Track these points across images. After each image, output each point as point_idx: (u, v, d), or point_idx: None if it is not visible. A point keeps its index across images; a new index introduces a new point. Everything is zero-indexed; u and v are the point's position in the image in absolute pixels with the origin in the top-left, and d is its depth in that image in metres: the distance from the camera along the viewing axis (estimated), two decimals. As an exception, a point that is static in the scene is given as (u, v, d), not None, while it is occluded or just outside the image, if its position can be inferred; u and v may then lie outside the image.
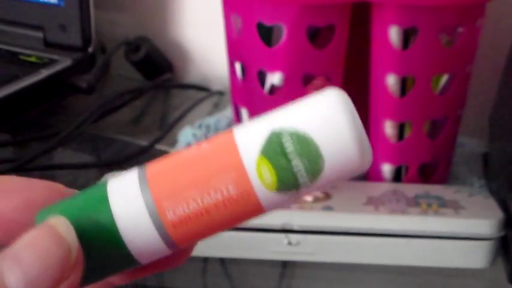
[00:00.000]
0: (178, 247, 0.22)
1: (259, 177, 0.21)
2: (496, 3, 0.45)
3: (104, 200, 0.21)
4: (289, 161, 0.20)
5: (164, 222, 0.21)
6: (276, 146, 0.20)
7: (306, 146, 0.20)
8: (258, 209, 0.21)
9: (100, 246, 0.21)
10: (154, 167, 0.22)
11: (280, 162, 0.20)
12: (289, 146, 0.20)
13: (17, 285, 0.19)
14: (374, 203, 0.43)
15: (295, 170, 0.20)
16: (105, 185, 0.22)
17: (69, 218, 0.21)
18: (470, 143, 0.55)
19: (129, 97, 0.61)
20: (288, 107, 0.21)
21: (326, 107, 0.21)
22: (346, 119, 0.20)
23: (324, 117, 0.20)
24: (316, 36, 0.46)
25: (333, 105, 0.21)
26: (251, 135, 0.21)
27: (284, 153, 0.20)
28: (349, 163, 0.21)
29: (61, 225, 0.20)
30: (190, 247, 0.24)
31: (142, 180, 0.21)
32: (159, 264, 0.24)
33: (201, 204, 0.21)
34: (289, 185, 0.21)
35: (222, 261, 0.43)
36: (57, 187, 0.23)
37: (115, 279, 0.24)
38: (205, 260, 0.43)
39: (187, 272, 0.44)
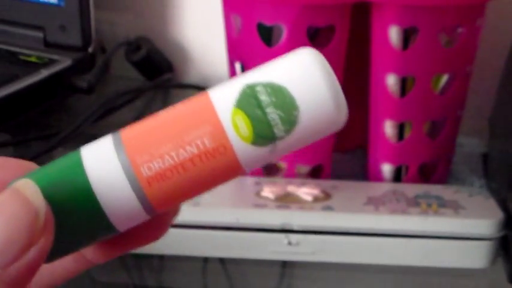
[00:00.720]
0: (155, 210, 0.21)
1: (235, 129, 0.20)
2: (496, 3, 0.45)
3: (78, 163, 0.21)
4: (264, 112, 0.20)
5: (139, 179, 0.21)
6: (251, 98, 0.20)
7: (281, 97, 0.20)
8: (236, 165, 0.21)
9: (74, 210, 0.21)
10: (129, 129, 0.22)
11: (255, 113, 0.20)
12: (264, 98, 0.20)
13: None
14: (374, 203, 0.43)
15: (271, 121, 0.20)
16: (78, 151, 0.22)
17: (42, 183, 0.21)
18: (470, 143, 0.55)
19: (129, 97, 0.61)
20: (262, 65, 0.21)
21: (300, 61, 0.21)
22: (320, 71, 0.20)
23: (298, 70, 0.20)
24: (316, 36, 0.46)
25: (307, 59, 0.21)
26: (226, 91, 0.21)
27: (259, 105, 0.20)
28: (324, 116, 0.20)
29: (27, 188, 0.20)
30: (169, 217, 0.24)
31: (117, 141, 0.21)
32: (138, 237, 0.23)
33: (176, 159, 0.21)
34: (265, 137, 0.21)
35: (222, 261, 0.43)
36: (32, 166, 0.23)
37: (93, 256, 0.24)
38: (205, 260, 0.43)
39: (187, 272, 0.44)
